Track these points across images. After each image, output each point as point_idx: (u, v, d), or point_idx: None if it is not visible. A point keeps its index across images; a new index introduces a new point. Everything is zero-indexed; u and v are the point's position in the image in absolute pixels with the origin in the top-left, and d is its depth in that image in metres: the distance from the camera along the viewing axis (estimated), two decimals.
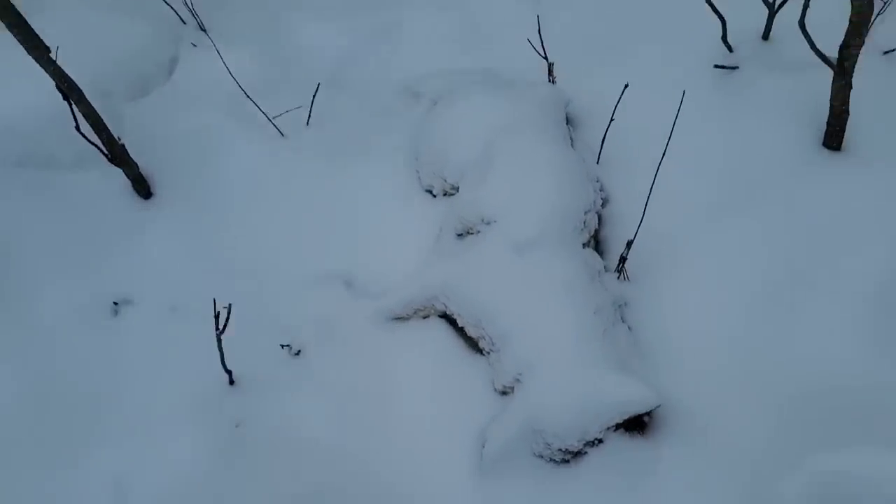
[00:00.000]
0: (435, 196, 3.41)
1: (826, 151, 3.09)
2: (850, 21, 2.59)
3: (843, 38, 2.68)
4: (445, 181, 3.33)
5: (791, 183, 3.10)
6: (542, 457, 2.69)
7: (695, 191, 3.18)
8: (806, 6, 2.65)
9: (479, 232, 3.05)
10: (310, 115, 3.73)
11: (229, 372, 3.01)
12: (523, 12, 3.91)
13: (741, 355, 2.79)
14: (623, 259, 2.99)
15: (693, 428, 2.66)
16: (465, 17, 4.12)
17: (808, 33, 2.74)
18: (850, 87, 2.82)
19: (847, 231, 2.94)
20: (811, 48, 2.78)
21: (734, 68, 3.41)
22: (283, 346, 3.09)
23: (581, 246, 2.99)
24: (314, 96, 3.69)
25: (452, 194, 3.34)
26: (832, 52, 2.81)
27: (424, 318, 3.11)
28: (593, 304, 2.79)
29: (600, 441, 2.66)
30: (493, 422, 2.77)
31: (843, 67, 2.73)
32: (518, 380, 2.74)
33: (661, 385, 2.73)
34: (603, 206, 3.22)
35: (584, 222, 3.02)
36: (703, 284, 2.98)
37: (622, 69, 3.53)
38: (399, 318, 3.12)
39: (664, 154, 2.88)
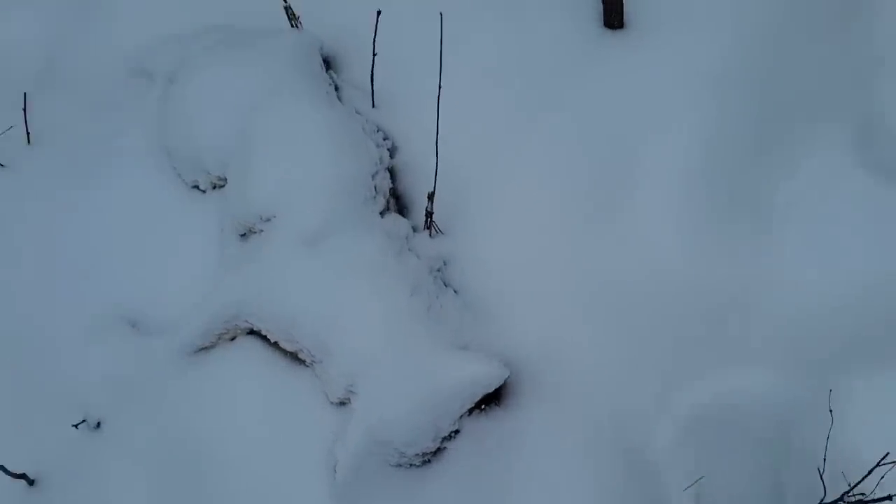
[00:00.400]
0: (204, 191, 2.91)
1: (609, 32, 2.81)
2: None
3: None
4: (209, 174, 2.83)
5: (582, 74, 2.82)
6: (400, 465, 2.40)
7: (485, 109, 2.85)
8: None
9: (261, 231, 2.61)
10: (28, 133, 3.07)
11: (22, 475, 2.52)
12: None
13: (574, 285, 2.56)
14: (429, 214, 2.64)
15: (549, 384, 2.44)
16: None
17: None
18: None
19: (649, 111, 2.73)
20: None
21: None
22: (75, 425, 2.60)
23: (378, 216, 2.61)
24: (24, 107, 3.02)
25: (222, 185, 2.85)
26: None
27: (232, 339, 2.68)
28: (408, 284, 2.45)
29: (457, 432, 2.39)
30: (338, 442, 2.44)
31: None
32: (351, 391, 2.40)
33: (504, 348, 2.48)
34: (392, 155, 2.83)
35: (375, 187, 2.63)
36: (517, 214, 2.70)
37: None
38: (203, 349, 2.67)
39: (440, 84, 2.51)
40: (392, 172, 2.79)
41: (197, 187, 2.92)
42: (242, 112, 2.73)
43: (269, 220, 2.57)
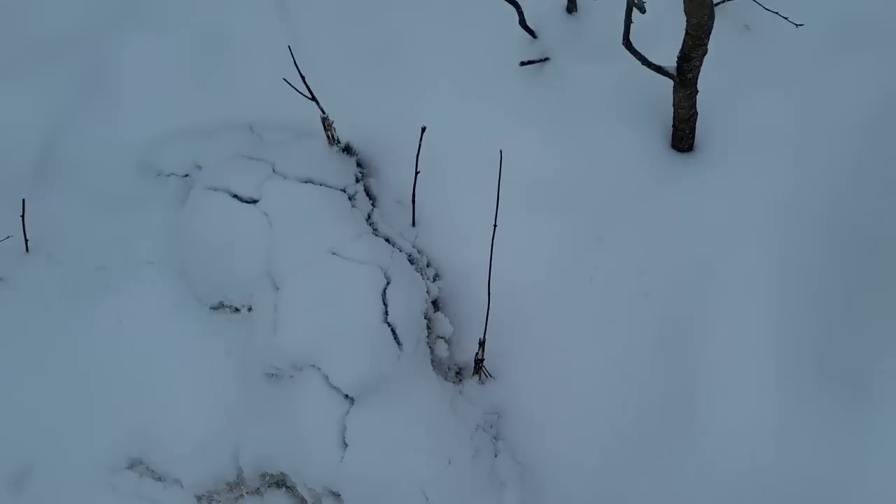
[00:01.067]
0: (223, 308, 2.63)
1: (677, 155, 2.55)
2: (689, 34, 1.98)
3: (681, 48, 2.07)
4: (231, 302, 2.56)
5: (648, 200, 2.55)
6: None
7: (538, 238, 2.57)
8: (629, 24, 1.99)
9: (291, 377, 2.34)
10: (27, 240, 2.77)
11: None
12: (269, 25, 3.01)
13: (641, 456, 2.28)
14: (479, 361, 2.39)
15: None
16: (197, 38, 3.12)
17: (636, 51, 2.10)
18: (697, 92, 2.24)
19: (723, 248, 2.45)
20: (644, 65, 2.15)
21: (544, 60, 2.73)
22: None
23: (430, 360, 2.35)
24: (23, 215, 2.72)
25: (247, 310, 2.58)
26: (666, 54, 2.20)
27: (256, 492, 2.42)
28: (469, 444, 2.21)
29: None
30: None
31: (685, 79, 2.13)
32: None
33: None
34: (435, 279, 2.56)
35: (427, 326, 2.38)
36: (575, 361, 2.43)
37: (410, 88, 2.80)
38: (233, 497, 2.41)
39: (496, 222, 2.25)
40: (435, 303, 2.53)
41: (215, 308, 2.64)
42: (271, 240, 2.45)
43: (301, 369, 2.30)
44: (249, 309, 2.55)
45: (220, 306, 2.63)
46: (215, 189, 2.57)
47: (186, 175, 2.81)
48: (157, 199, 2.83)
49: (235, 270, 2.49)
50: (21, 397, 2.59)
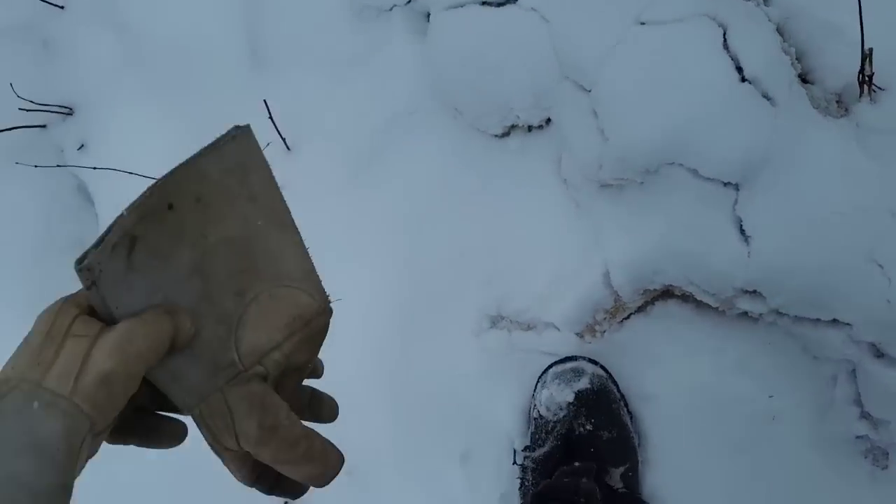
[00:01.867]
0: (517, 130, 2.29)
1: None
2: None
3: None
4: (525, 121, 2.20)
5: None
6: None
7: None
8: None
9: (642, 183, 1.97)
10: (283, 139, 2.54)
11: None
12: None
13: None
14: (868, 78, 1.86)
15: None
16: None
17: None
18: None
19: None
20: None
21: None
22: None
23: (809, 103, 1.86)
24: (270, 116, 2.43)
25: (539, 126, 2.22)
26: None
27: (640, 310, 2.18)
28: None
29: None
30: None
31: None
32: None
33: None
34: (767, 2, 2.00)
35: (791, 62, 1.88)
36: None
37: None
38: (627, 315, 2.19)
39: None
40: (779, 32, 1.98)
41: (505, 135, 2.31)
42: (554, 38, 1.99)
43: (657, 171, 1.91)
44: (548, 121, 2.18)
45: (510, 129, 2.29)
46: (460, 6, 2.12)
47: (408, 1, 2.37)
48: (389, 42, 2.44)
49: (520, 87, 2.09)
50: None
